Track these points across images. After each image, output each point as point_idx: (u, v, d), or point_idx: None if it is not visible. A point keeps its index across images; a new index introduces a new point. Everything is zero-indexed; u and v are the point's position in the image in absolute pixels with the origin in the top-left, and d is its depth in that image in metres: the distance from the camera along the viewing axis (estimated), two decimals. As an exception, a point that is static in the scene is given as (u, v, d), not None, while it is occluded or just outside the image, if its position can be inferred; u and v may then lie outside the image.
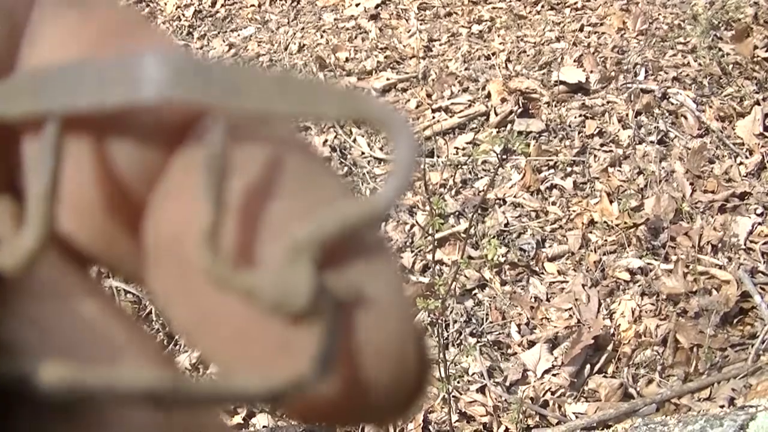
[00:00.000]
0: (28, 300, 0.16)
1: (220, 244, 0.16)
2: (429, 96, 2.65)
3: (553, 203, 2.28)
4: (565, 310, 2.02)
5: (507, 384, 1.89)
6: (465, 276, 2.05)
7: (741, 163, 2.35)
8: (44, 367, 0.15)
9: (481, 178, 2.35)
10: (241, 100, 0.17)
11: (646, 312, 2.00)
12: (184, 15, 3.20)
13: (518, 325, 2.01)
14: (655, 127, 2.46)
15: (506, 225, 2.22)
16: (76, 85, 0.17)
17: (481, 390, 1.88)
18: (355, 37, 2.96)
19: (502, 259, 2.11)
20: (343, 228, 0.16)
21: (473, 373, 1.91)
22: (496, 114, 2.53)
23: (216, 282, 0.16)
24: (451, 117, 2.55)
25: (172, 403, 0.15)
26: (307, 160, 0.17)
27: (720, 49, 2.69)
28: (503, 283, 2.08)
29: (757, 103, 2.49)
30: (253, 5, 3.22)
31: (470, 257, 2.00)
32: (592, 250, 2.15)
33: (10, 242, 0.16)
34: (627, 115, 2.50)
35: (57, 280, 0.17)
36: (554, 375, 1.90)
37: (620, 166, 2.36)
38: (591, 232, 2.19)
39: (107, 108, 0.17)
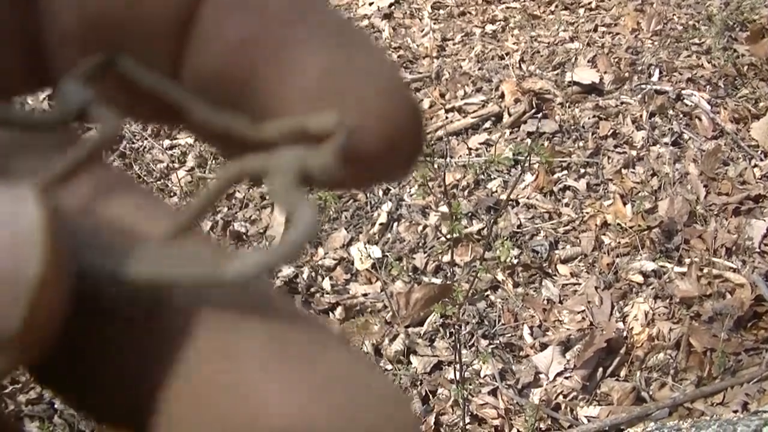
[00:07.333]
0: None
1: None
2: (442, 96, 2.64)
3: (567, 205, 2.27)
4: (578, 313, 2.02)
5: (519, 387, 1.89)
6: (478, 278, 2.04)
7: (756, 166, 2.34)
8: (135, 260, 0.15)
9: (494, 179, 2.34)
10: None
11: (659, 315, 1.99)
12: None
13: (531, 328, 2.00)
14: (669, 129, 2.45)
15: (519, 226, 2.21)
16: None
17: (493, 392, 1.88)
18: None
19: (514, 261, 2.10)
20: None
21: (485, 375, 1.91)
22: (510, 114, 2.52)
23: None
24: (464, 117, 2.54)
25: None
26: None
27: (735, 51, 2.67)
28: (516, 284, 2.08)
29: (772, 105, 2.48)
30: (266, 3, 3.23)
31: (483, 259, 1.99)
32: (605, 253, 2.14)
33: None
34: (641, 116, 2.49)
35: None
36: (566, 378, 1.90)
37: (634, 168, 2.35)
38: (604, 234, 2.18)
39: None
